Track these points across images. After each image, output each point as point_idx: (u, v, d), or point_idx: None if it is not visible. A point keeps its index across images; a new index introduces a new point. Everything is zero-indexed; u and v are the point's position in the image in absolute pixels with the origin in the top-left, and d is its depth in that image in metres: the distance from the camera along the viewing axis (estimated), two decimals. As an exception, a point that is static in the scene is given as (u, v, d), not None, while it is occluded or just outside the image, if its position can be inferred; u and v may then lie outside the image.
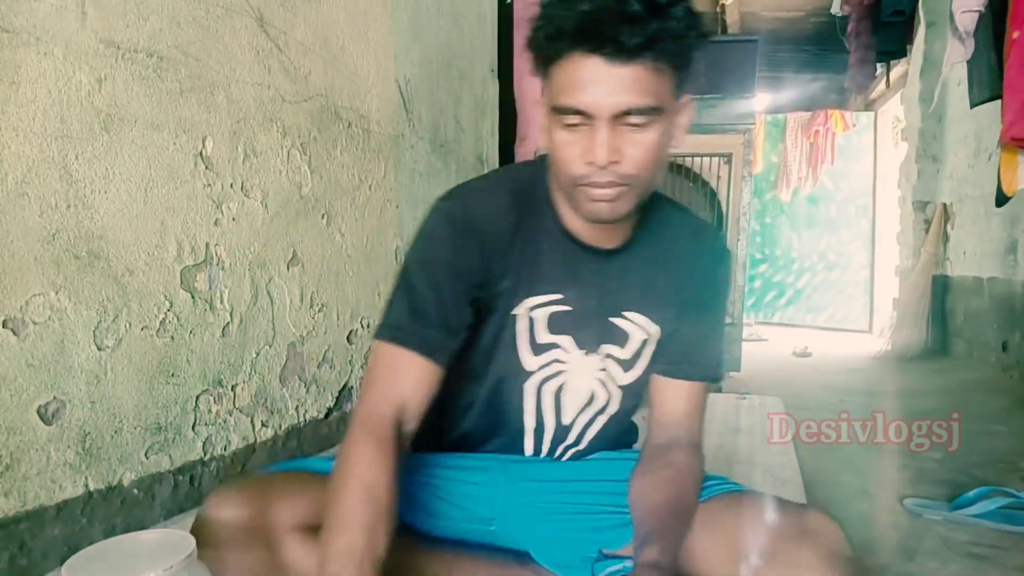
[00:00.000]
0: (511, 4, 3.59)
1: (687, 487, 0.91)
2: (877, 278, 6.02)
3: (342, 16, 2.06)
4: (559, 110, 0.79)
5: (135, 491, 1.42)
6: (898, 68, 5.27)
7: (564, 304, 0.95)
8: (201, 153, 1.57)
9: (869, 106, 6.52)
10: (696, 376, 0.98)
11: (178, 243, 1.52)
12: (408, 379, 0.87)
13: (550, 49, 0.78)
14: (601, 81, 0.75)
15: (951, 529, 1.52)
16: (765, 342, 5.18)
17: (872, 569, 0.83)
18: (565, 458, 1.04)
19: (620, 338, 0.97)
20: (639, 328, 0.97)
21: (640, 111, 0.77)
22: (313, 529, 0.83)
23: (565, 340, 0.96)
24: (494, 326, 0.96)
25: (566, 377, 0.98)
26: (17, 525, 1.19)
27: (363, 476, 0.79)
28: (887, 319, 5.06)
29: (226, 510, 0.82)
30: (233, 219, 1.67)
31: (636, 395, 1.02)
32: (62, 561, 0.59)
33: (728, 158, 3.01)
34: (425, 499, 1.01)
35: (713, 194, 3.05)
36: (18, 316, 1.20)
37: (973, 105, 2.62)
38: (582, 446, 1.03)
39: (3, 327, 1.18)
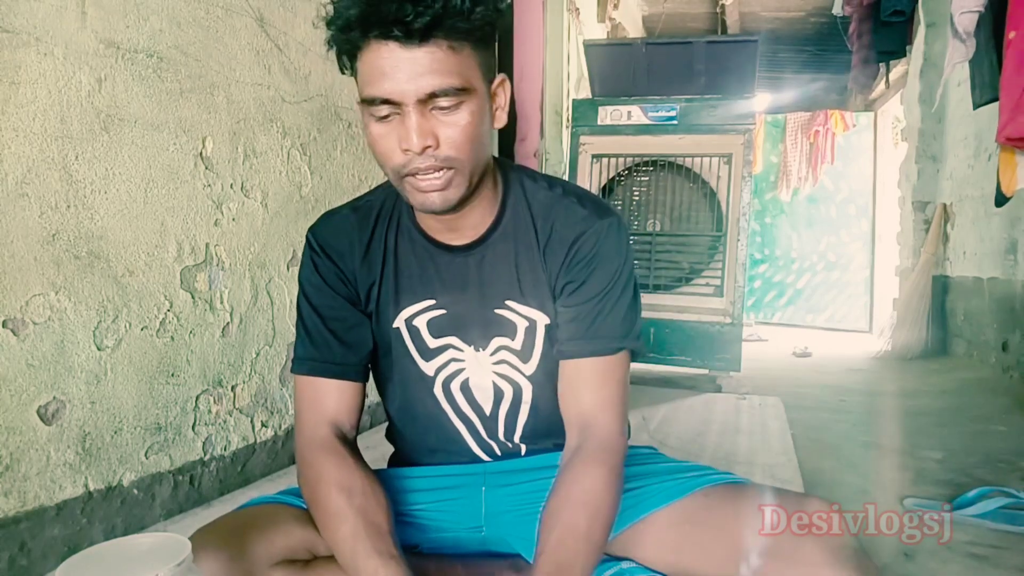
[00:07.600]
0: (511, 4, 3.59)
1: (592, 511, 0.81)
2: (877, 278, 6.01)
3: (342, 16, 2.06)
4: (367, 101, 0.80)
5: (135, 491, 1.42)
6: (898, 68, 5.27)
7: (438, 308, 0.96)
8: (201, 153, 1.57)
9: (869, 106, 6.52)
10: (590, 351, 0.90)
11: (178, 243, 1.52)
12: (331, 401, 0.94)
13: (345, 42, 0.78)
14: (400, 67, 0.76)
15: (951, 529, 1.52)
16: (765, 342, 5.17)
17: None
18: (522, 453, 1.03)
19: (509, 329, 0.96)
20: (520, 317, 0.96)
21: (446, 92, 0.77)
22: (293, 563, 0.86)
23: (453, 340, 0.98)
24: (385, 340, 0.99)
25: (467, 374, 0.98)
26: (17, 525, 1.19)
27: (340, 485, 0.85)
28: (887, 319, 5.05)
29: (207, 552, 0.80)
30: (233, 219, 1.67)
31: (554, 382, 0.97)
32: (62, 561, 0.59)
33: (728, 158, 3.01)
34: (411, 519, 1.02)
35: (713, 194, 3.05)
36: (18, 316, 1.20)
37: (976, 106, 2.61)
38: (518, 437, 1.02)
39: (3, 327, 1.18)
